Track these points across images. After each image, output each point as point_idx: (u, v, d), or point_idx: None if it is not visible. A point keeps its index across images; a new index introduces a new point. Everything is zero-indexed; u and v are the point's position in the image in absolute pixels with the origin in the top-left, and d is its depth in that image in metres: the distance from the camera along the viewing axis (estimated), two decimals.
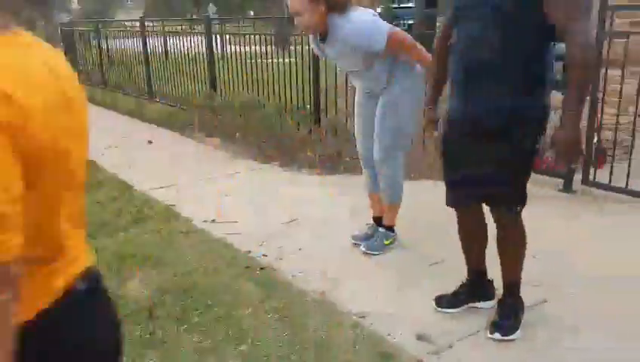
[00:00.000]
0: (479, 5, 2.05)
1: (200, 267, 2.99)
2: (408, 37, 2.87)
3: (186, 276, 2.89)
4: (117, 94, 8.88)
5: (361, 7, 2.85)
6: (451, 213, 2.43)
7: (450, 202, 2.36)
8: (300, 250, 3.16)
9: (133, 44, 8.51)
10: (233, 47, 6.52)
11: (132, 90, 8.64)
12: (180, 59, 7.41)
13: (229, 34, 7.37)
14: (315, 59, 5.14)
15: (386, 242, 3.10)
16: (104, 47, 9.61)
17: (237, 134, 5.65)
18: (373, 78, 2.88)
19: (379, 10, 15.39)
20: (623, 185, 3.74)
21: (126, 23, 9.65)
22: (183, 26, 9.45)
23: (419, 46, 2.88)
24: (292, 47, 5.93)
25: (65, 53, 11.67)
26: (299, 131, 5.34)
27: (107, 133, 6.50)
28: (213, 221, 3.69)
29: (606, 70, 3.83)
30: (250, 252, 3.17)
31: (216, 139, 5.99)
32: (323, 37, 2.79)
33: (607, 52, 3.73)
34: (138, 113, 7.70)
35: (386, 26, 2.76)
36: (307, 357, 2.20)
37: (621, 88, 3.75)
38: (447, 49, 2.26)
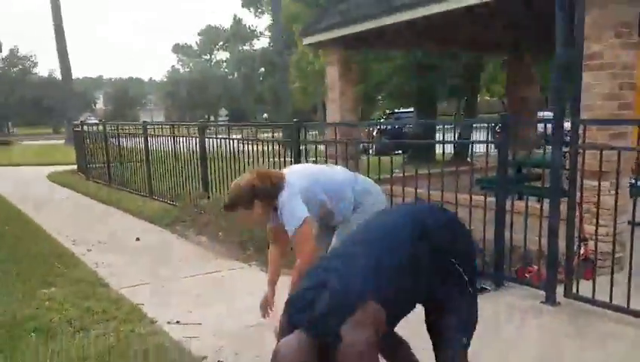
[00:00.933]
0: None
1: None
2: (309, 237, 2.65)
3: None
4: (121, 192, 9.06)
5: (295, 175, 2.75)
6: None
7: None
8: (257, 357, 3.00)
9: (136, 145, 8.80)
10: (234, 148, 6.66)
11: (134, 188, 8.83)
12: (175, 159, 7.62)
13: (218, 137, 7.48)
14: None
15: None
16: (110, 146, 9.94)
17: (220, 234, 5.63)
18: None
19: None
20: (607, 298, 3.58)
21: (130, 126, 9.98)
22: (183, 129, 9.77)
23: (310, 248, 2.63)
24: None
25: (76, 150, 12.14)
26: None
27: (100, 230, 6.54)
28: (177, 322, 3.57)
29: (582, 181, 3.84)
30: (205, 358, 3.02)
31: (203, 238, 5.97)
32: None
33: (582, 163, 3.75)
34: (137, 210, 7.73)
35: (302, 213, 2.59)
36: None
37: (598, 198, 3.73)
38: None
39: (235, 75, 57.33)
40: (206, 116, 48.74)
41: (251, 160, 6.16)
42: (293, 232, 2.59)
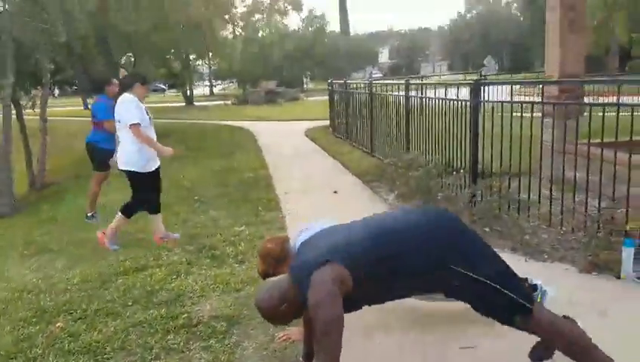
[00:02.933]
0: None
1: None
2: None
3: None
4: (350, 147, 9.93)
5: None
6: None
7: None
8: None
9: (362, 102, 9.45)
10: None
11: (361, 143, 9.55)
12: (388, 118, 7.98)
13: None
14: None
15: None
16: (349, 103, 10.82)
17: (396, 192, 5.84)
18: None
19: None
20: None
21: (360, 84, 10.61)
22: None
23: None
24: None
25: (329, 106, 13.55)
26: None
27: (310, 180, 7.47)
28: None
29: None
30: None
31: (392, 195, 6.27)
32: None
33: None
34: (353, 165, 8.42)
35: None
36: None
37: None
38: None
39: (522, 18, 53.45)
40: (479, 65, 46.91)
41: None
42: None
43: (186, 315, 3.31)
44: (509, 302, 2.14)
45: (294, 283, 2.18)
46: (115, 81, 6.30)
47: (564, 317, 2.28)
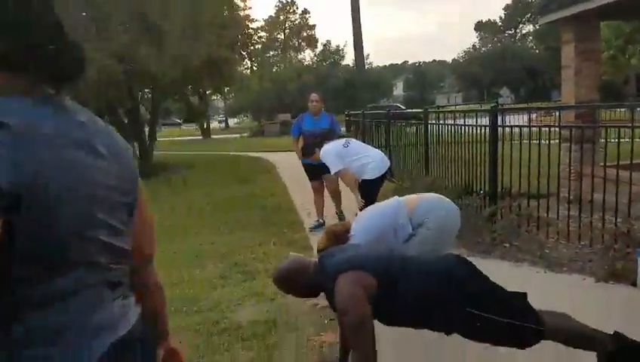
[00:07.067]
0: None
1: None
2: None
3: None
4: None
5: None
6: None
7: None
8: None
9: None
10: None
11: None
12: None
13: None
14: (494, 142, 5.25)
15: None
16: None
17: None
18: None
19: None
20: None
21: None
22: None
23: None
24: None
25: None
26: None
27: (331, 205, 7.71)
28: None
29: None
30: None
31: None
32: None
33: None
34: None
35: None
36: None
37: None
38: None
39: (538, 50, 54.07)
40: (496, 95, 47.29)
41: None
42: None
43: (226, 320, 3.54)
44: (528, 333, 2.33)
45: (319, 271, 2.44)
46: None
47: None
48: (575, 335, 2.43)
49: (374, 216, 3.37)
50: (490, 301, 2.34)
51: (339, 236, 3.16)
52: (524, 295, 2.44)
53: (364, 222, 3.29)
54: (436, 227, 3.12)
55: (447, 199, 3.40)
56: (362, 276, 2.28)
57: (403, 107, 35.81)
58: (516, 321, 2.30)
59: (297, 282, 2.51)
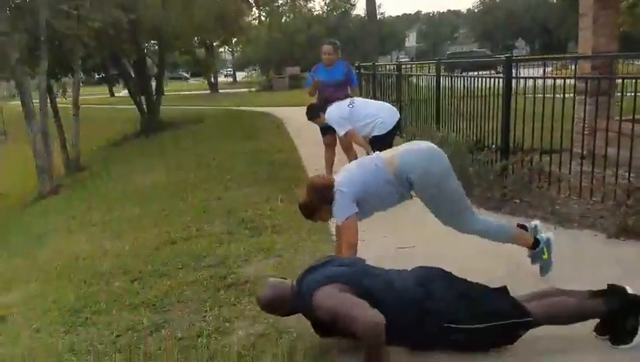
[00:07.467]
0: None
1: None
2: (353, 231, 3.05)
3: None
4: None
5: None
6: None
7: None
8: None
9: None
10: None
11: None
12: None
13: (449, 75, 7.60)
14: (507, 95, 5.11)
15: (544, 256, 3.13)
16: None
17: None
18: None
19: None
20: None
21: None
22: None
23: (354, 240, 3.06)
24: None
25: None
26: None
27: (340, 160, 7.65)
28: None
29: None
30: None
31: None
32: None
33: None
34: None
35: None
36: None
37: None
38: None
39: None
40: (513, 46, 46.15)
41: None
42: (340, 222, 3.06)
43: (233, 275, 3.55)
44: (514, 328, 2.34)
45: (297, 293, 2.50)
46: None
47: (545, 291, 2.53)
48: (564, 314, 2.41)
49: (354, 168, 3.30)
50: (468, 310, 2.34)
51: (320, 190, 3.06)
52: (504, 289, 2.46)
53: (347, 174, 3.19)
54: (425, 180, 3.03)
55: (424, 144, 3.22)
56: (335, 286, 2.38)
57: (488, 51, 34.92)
58: (499, 322, 2.32)
59: (282, 307, 2.58)
